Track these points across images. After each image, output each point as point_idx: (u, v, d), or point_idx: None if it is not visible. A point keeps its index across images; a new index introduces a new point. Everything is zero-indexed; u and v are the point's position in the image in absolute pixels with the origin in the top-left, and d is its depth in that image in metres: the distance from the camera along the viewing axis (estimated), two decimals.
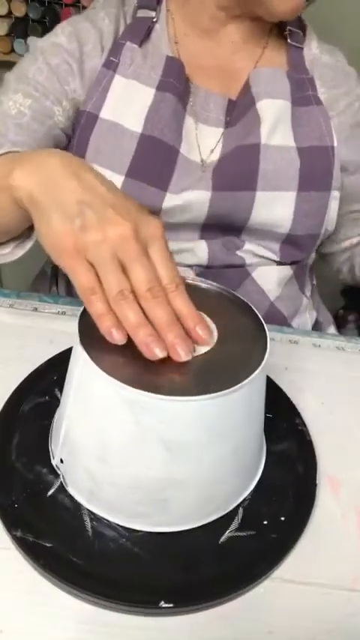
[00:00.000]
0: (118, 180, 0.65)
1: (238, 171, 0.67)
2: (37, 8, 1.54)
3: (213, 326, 0.42)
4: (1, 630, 0.36)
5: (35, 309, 0.62)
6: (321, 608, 0.40)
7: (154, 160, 0.65)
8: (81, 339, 0.38)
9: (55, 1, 1.54)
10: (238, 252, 0.71)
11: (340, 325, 1.66)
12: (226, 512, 0.43)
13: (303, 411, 0.53)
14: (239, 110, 0.69)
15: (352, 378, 0.60)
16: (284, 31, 0.73)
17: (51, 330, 0.59)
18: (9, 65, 1.90)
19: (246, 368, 0.38)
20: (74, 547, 0.39)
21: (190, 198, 0.66)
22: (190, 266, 0.71)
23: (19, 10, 1.54)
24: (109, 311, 0.38)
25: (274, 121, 0.67)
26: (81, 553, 0.39)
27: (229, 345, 0.41)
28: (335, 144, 0.70)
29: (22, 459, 0.44)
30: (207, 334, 0.40)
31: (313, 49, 0.73)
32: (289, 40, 0.72)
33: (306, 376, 0.59)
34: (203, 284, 0.48)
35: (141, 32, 0.69)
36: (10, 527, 0.40)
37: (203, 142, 0.68)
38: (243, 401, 0.38)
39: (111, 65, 0.67)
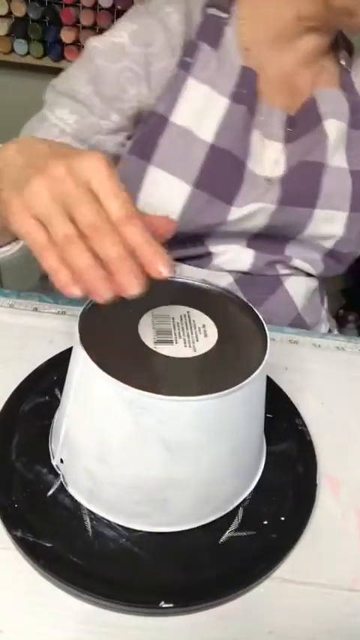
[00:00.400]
0: (185, 189, 0.63)
1: (302, 187, 0.67)
2: (37, 8, 1.54)
3: (212, 326, 0.43)
4: (1, 630, 0.36)
5: (35, 309, 0.63)
6: (321, 608, 0.40)
7: (222, 173, 0.64)
8: (81, 339, 0.38)
9: (55, 1, 1.54)
10: (277, 264, 0.72)
11: (340, 325, 1.66)
12: (226, 512, 0.43)
13: (303, 411, 0.53)
14: (302, 127, 0.69)
15: (352, 378, 0.60)
16: (338, 53, 0.73)
17: (51, 330, 0.59)
18: (9, 65, 1.89)
19: (246, 368, 0.38)
20: (74, 547, 0.39)
21: (254, 209, 0.65)
22: (229, 271, 0.71)
23: (19, 10, 1.54)
24: (63, 263, 0.34)
25: (336, 142, 0.68)
26: (81, 553, 0.39)
27: (229, 345, 0.41)
28: None
29: (22, 459, 0.44)
30: (165, 265, 0.34)
31: None
32: (342, 62, 0.73)
33: (306, 376, 0.59)
34: (204, 284, 0.48)
35: (213, 34, 0.66)
36: (10, 527, 0.40)
37: (267, 156, 0.68)
38: (243, 401, 0.38)
39: (185, 66, 0.64)
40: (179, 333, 0.41)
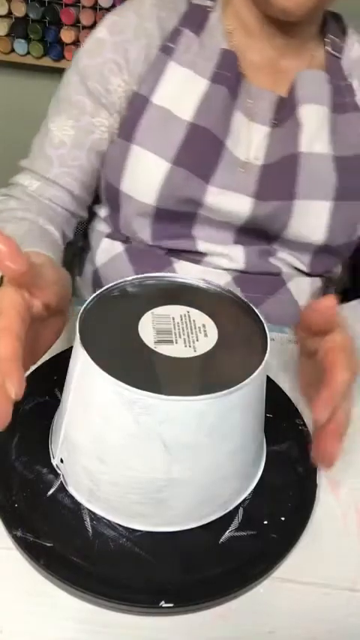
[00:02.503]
0: (164, 165, 0.65)
1: (278, 180, 0.67)
2: (37, 8, 1.54)
3: (212, 325, 0.43)
4: (1, 630, 0.36)
5: None
6: (321, 608, 0.40)
7: (200, 151, 0.65)
8: (81, 339, 0.38)
9: (55, 1, 1.54)
10: (273, 261, 0.71)
11: None
12: (226, 511, 0.43)
13: (303, 411, 0.53)
14: (287, 111, 0.69)
15: None
16: (325, 38, 0.73)
17: None
18: (9, 65, 1.89)
19: (246, 368, 0.38)
20: (74, 547, 0.39)
21: (232, 202, 0.66)
22: (226, 270, 0.71)
23: (19, 10, 1.54)
24: None
25: (315, 129, 0.67)
26: (81, 553, 0.39)
27: (229, 344, 0.41)
28: None
29: (22, 459, 0.44)
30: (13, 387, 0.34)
31: (354, 51, 0.72)
32: (328, 48, 0.72)
33: None
34: (204, 284, 0.48)
35: (197, 20, 0.69)
36: (10, 527, 0.40)
37: (253, 139, 0.68)
38: (243, 401, 0.38)
39: (167, 50, 0.67)
40: (179, 332, 0.41)
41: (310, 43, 0.72)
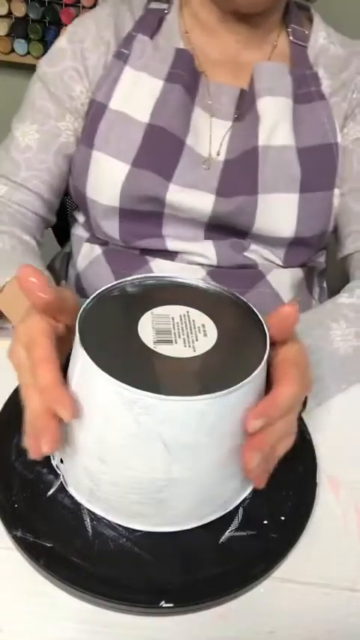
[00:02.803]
0: (124, 169, 0.65)
1: (240, 175, 0.66)
2: (37, 8, 1.54)
3: (212, 325, 0.42)
4: (1, 630, 0.36)
5: None
6: (321, 608, 0.40)
7: (159, 150, 0.66)
8: (81, 339, 0.38)
9: (55, 1, 1.54)
10: (247, 254, 0.71)
11: None
12: (225, 511, 0.43)
13: (303, 411, 0.53)
14: (247, 104, 0.68)
15: None
16: (287, 27, 0.72)
17: None
18: (9, 65, 1.89)
19: (246, 367, 0.38)
20: (74, 547, 0.39)
21: (194, 199, 0.66)
22: (201, 265, 0.71)
23: (19, 10, 1.54)
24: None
25: (275, 121, 0.66)
26: (81, 553, 0.39)
27: (228, 344, 0.41)
28: (339, 140, 0.69)
29: (22, 459, 0.44)
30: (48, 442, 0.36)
31: (319, 40, 0.71)
32: (291, 38, 0.71)
33: None
34: (203, 284, 0.48)
35: (152, 24, 0.69)
36: (10, 528, 0.40)
37: (214, 134, 0.68)
38: (243, 400, 0.38)
39: (122, 56, 0.68)
40: (179, 333, 0.41)
41: (272, 34, 0.72)
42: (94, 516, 0.41)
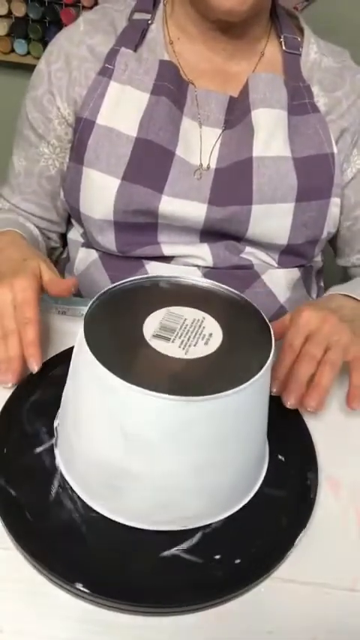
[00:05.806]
0: (115, 183, 0.66)
1: (233, 185, 0.67)
2: (37, 8, 1.54)
3: (219, 337, 0.42)
4: (1, 630, 0.36)
5: None
6: (321, 608, 0.40)
7: (149, 163, 0.66)
8: (87, 316, 0.41)
9: (55, 1, 1.54)
10: (243, 255, 0.71)
11: None
12: (183, 528, 0.42)
13: (303, 412, 0.53)
14: (239, 112, 0.68)
15: None
16: (280, 38, 0.71)
17: (51, 330, 0.59)
18: (9, 65, 1.89)
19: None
20: (31, 504, 0.41)
21: (187, 209, 0.66)
22: (197, 266, 0.71)
23: (19, 10, 1.54)
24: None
25: (270, 132, 0.66)
26: (36, 512, 0.41)
27: (222, 359, 0.41)
28: (335, 151, 0.69)
29: (30, 415, 0.48)
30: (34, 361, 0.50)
31: (312, 54, 0.71)
32: (284, 48, 0.71)
33: None
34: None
35: (135, 36, 0.69)
36: None
37: (204, 142, 0.68)
38: (203, 417, 0.37)
39: (106, 72, 0.68)
40: (181, 334, 0.41)
41: (259, 44, 0.71)
42: (62, 484, 0.43)
